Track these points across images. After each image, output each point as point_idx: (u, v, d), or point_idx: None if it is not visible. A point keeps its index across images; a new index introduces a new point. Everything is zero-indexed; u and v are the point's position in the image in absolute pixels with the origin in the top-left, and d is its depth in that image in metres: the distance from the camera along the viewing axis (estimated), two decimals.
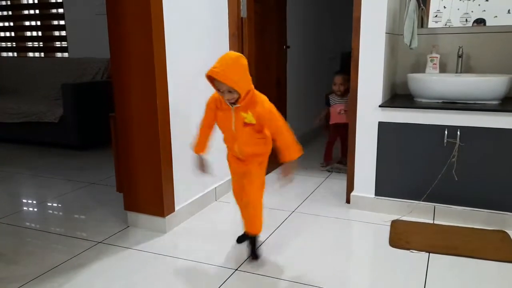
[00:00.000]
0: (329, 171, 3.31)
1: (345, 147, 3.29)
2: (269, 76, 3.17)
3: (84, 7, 4.55)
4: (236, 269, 1.89)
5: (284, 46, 3.38)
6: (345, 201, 2.67)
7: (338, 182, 3.04)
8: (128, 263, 1.96)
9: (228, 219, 2.51)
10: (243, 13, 2.73)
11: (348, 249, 2.13)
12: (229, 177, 2.83)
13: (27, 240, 2.20)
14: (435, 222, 2.35)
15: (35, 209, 2.65)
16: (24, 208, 2.66)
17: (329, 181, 3.10)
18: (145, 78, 2.11)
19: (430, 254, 2.01)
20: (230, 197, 2.77)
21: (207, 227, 2.35)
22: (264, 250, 2.06)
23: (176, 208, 2.32)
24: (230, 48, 2.74)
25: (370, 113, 2.43)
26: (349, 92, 2.73)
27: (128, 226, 2.34)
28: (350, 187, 2.60)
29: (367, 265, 1.98)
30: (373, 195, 2.51)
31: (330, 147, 3.42)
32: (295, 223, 2.39)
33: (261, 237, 2.18)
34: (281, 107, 3.45)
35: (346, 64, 2.78)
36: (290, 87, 3.62)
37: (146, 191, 2.25)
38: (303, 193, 2.84)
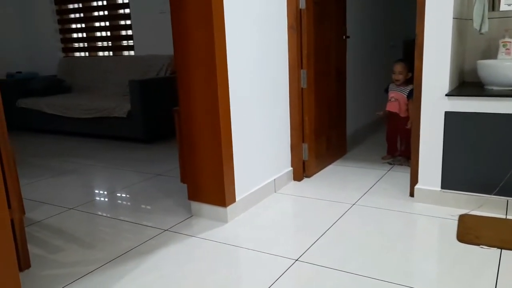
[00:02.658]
0: (390, 164, 3.22)
1: (405, 139, 3.18)
2: (328, 67, 3.13)
3: (148, 6, 4.75)
4: (297, 260, 1.90)
5: (344, 36, 3.31)
6: (408, 194, 2.58)
7: (400, 175, 2.95)
8: (193, 250, 2.04)
9: (287, 210, 2.52)
10: (302, 4, 2.72)
11: (412, 242, 2.07)
12: (288, 169, 2.86)
13: (100, 227, 2.36)
14: (508, 217, 2.21)
15: (106, 199, 2.83)
16: (96, 197, 2.85)
17: (391, 174, 3.01)
18: (207, 72, 2.17)
19: (503, 250, 1.90)
20: (289, 189, 2.79)
21: (266, 218, 2.38)
22: (325, 242, 2.06)
23: (237, 198, 2.38)
24: (289, 41, 2.74)
25: (436, 103, 2.32)
26: (410, 82, 2.63)
27: (192, 216, 2.43)
28: (414, 180, 2.51)
29: (433, 259, 1.91)
30: (439, 188, 2.41)
31: (390, 139, 3.32)
32: (356, 215, 2.36)
33: (322, 228, 2.18)
34: (341, 98, 3.40)
35: (410, 53, 2.68)
36: (350, 78, 3.55)
37: (208, 182, 2.33)
38: (364, 186, 2.78)
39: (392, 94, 3.16)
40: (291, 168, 2.91)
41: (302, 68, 2.81)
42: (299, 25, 2.74)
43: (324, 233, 2.15)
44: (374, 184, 2.81)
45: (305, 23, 2.74)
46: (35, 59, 5.68)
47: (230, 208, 2.33)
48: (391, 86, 3.19)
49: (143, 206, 2.66)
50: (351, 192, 2.69)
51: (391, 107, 3.15)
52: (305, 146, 2.93)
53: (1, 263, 1.30)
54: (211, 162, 2.28)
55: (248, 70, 2.40)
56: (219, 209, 2.32)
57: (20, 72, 5.40)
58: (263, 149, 2.61)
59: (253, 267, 1.88)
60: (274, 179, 2.72)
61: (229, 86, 2.24)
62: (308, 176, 2.99)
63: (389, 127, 3.29)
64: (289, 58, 2.76)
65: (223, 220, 2.32)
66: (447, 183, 2.38)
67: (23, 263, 1.88)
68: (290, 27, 2.72)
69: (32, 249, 2.05)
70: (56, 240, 2.21)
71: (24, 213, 1.93)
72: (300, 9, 2.73)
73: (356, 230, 2.18)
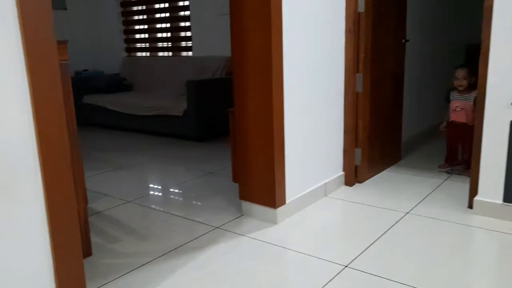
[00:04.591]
0: (448, 173, 3.09)
1: (466, 149, 3.04)
2: (385, 71, 3.06)
3: (208, 9, 4.88)
4: (346, 266, 1.89)
5: (403, 40, 3.23)
6: (466, 205, 2.47)
7: (458, 186, 2.83)
8: (242, 249, 2.08)
9: (338, 215, 2.50)
10: (361, 7, 2.68)
11: (469, 257, 1.98)
12: (339, 173, 2.83)
13: (154, 221, 2.47)
14: None
15: (161, 194, 2.95)
16: (151, 192, 2.97)
17: (448, 184, 2.90)
18: (262, 75, 2.20)
19: None
20: (339, 194, 2.76)
21: (316, 222, 2.37)
22: (376, 250, 2.02)
23: (287, 200, 2.39)
24: (346, 44, 2.71)
25: (500, 112, 2.21)
26: (473, 89, 2.51)
27: (242, 215, 2.47)
28: (473, 191, 2.40)
29: (490, 275, 1.82)
30: (500, 201, 2.29)
31: (450, 148, 3.19)
32: (409, 225, 2.29)
33: (373, 236, 2.14)
34: (397, 103, 3.31)
35: (472, 58, 2.56)
36: (408, 83, 3.44)
37: (259, 183, 2.36)
38: (418, 195, 2.70)
39: (456, 104, 3.02)
40: (342, 173, 2.88)
41: (358, 72, 2.77)
42: (357, 28, 2.71)
43: (375, 240, 2.11)
44: (430, 193, 2.72)
45: (363, 26, 2.71)
46: (101, 58, 6.01)
47: (280, 209, 2.35)
48: (453, 94, 3.05)
49: (195, 202, 2.74)
50: (404, 200, 2.62)
51: (458, 117, 3.02)
52: (358, 151, 2.89)
53: (68, 250, 1.40)
54: (263, 163, 2.31)
55: (303, 74, 2.41)
56: (269, 210, 2.35)
57: (86, 70, 5.73)
58: (315, 153, 2.60)
59: (301, 270, 1.89)
60: (325, 183, 2.71)
61: (284, 89, 2.26)
62: (360, 182, 2.95)
63: (451, 135, 3.16)
64: (345, 62, 2.74)
65: (273, 221, 2.35)
66: (510, 196, 2.26)
67: (86, 250, 2.00)
68: (348, 31, 2.69)
69: (94, 238, 2.19)
70: (115, 230, 2.34)
71: (87, 203, 2.06)
72: (359, 12, 2.70)
73: (409, 240, 2.12)
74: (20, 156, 1.25)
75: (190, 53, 5.31)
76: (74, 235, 1.41)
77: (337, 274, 1.83)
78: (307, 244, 2.10)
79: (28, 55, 1.23)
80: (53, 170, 1.32)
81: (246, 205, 2.47)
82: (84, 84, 5.33)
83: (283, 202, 2.36)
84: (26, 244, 1.30)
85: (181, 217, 2.49)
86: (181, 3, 5.19)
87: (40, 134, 1.28)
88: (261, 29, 2.16)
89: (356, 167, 2.92)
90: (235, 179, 2.59)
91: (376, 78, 2.92)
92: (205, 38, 5.03)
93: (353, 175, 2.91)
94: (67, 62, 1.66)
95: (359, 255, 1.97)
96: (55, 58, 1.30)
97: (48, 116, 1.29)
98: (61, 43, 1.56)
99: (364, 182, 2.96)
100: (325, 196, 2.72)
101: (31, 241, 1.31)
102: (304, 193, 2.53)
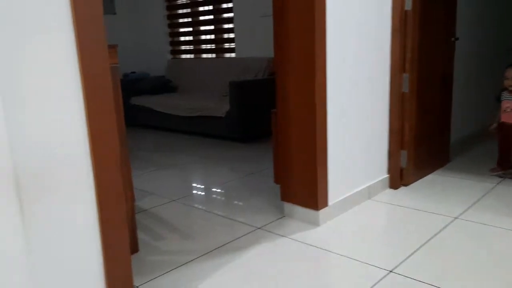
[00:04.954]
0: (500, 177, 2.95)
1: None
2: (433, 71, 2.96)
3: (250, 10, 4.92)
4: (391, 271, 1.84)
5: (452, 38, 3.11)
6: None
7: (511, 190, 2.69)
8: (284, 251, 2.08)
9: (382, 218, 2.45)
10: (407, 5, 2.61)
11: None
12: (384, 176, 2.77)
13: (197, 220, 2.51)
14: None
15: (203, 193, 3.00)
16: (194, 191, 3.03)
17: (500, 188, 2.76)
18: (305, 76, 2.19)
19: None
20: (384, 197, 2.70)
21: (359, 225, 2.33)
22: (422, 255, 1.96)
23: (329, 203, 2.36)
24: (392, 44, 2.65)
25: None
26: None
27: (284, 216, 2.47)
28: None
29: None
30: None
31: (502, 150, 3.03)
32: (458, 230, 2.21)
33: (419, 241, 2.08)
34: (445, 103, 3.19)
35: None
36: (457, 83, 3.31)
37: (301, 184, 2.35)
38: (468, 199, 2.59)
39: (507, 104, 2.88)
40: (387, 175, 2.82)
41: (404, 72, 2.70)
42: (404, 27, 2.64)
43: (422, 246, 2.05)
44: (481, 198, 2.60)
45: (411, 25, 2.63)
46: (147, 61, 6.20)
47: (322, 211, 2.32)
48: (504, 94, 2.91)
49: (237, 202, 2.77)
50: (453, 204, 2.52)
51: (509, 118, 2.88)
52: (403, 153, 2.81)
53: (117, 247, 1.46)
54: (305, 165, 2.30)
55: (347, 74, 2.37)
56: (311, 212, 2.33)
57: (134, 72, 5.93)
58: (358, 154, 2.56)
59: (343, 273, 1.86)
60: (369, 186, 2.66)
61: (327, 89, 2.24)
62: (406, 185, 2.86)
63: (503, 137, 3.01)
64: (391, 62, 2.67)
65: (315, 223, 2.33)
66: None
67: (133, 247, 2.08)
68: (394, 29, 2.63)
69: (140, 235, 2.26)
70: (160, 228, 2.40)
71: (134, 201, 2.13)
72: (406, 10, 2.62)
73: (458, 246, 2.04)
74: (73, 156, 1.32)
75: (233, 55, 5.37)
76: (123, 233, 1.46)
77: (381, 279, 1.79)
78: (350, 247, 2.07)
79: (81, 60, 1.29)
80: (104, 170, 1.38)
81: (288, 206, 2.46)
82: (131, 86, 5.52)
83: (325, 204, 2.34)
84: (78, 240, 1.36)
85: (223, 216, 2.53)
86: (224, 5, 5.26)
87: (92, 136, 1.34)
88: (304, 30, 2.15)
89: (401, 170, 2.84)
90: (277, 180, 2.59)
91: (423, 78, 2.83)
92: (247, 40, 5.07)
93: (399, 177, 2.83)
94: (117, 65, 1.73)
95: (404, 260, 1.92)
96: (107, 62, 1.36)
97: (100, 118, 1.35)
98: (111, 47, 1.63)
99: (410, 185, 2.87)
100: (369, 199, 2.67)
101: (82, 238, 1.37)
102: (347, 195, 2.49)
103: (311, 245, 2.12)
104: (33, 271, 1.26)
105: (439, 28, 2.95)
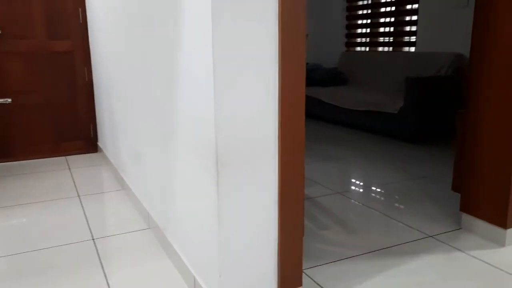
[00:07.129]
0: None
1: None
2: None
3: (440, 1, 4.53)
4: None
5: None
6: None
7: None
8: (459, 266, 1.88)
9: None
10: None
11: None
12: None
13: (362, 216, 2.45)
14: None
15: (368, 191, 2.91)
16: (359, 187, 2.96)
17: None
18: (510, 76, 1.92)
19: None
20: None
21: None
22: None
23: None
24: None
25: None
26: None
27: (461, 228, 2.24)
28: None
29: None
30: None
31: None
32: None
33: None
34: None
35: None
36: None
37: (488, 196, 2.08)
38: None
39: None
40: None
41: None
42: None
43: None
44: None
45: None
46: (321, 52, 6.28)
47: (510, 230, 2.03)
48: None
49: (405, 206, 2.61)
50: None
51: None
52: None
53: (291, 227, 1.52)
54: (497, 175, 2.03)
55: None
56: (497, 229, 2.05)
57: (307, 63, 6.09)
58: None
59: None
60: None
61: None
62: None
63: None
64: None
65: (500, 242, 2.05)
66: None
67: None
68: None
69: (305, 222, 2.32)
70: (324, 218, 2.42)
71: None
72: None
73: None
74: (266, 138, 1.41)
75: (412, 49, 5.05)
76: (298, 213, 1.52)
77: None
78: None
79: (282, 50, 1.36)
80: (288, 151, 1.44)
81: (467, 218, 2.22)
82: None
83: None
84: (262, 215, 1.46)
85: (390, 217, 2.41)
86: None
87: (283, 120, 1.40)
88: None
89: None
90: (455, 187, 2.36)
91: None
92: (432, 33, 4.69)
93: None
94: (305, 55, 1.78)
95: None
96: (303, 50, 1.40)
97: (291, 103, 1.41)
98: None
99: None
100: None
101: (266, 213, 1.46)
102: None
103: (493, 266, 1.87)
104: (221, 233, 1.40)
105: None
